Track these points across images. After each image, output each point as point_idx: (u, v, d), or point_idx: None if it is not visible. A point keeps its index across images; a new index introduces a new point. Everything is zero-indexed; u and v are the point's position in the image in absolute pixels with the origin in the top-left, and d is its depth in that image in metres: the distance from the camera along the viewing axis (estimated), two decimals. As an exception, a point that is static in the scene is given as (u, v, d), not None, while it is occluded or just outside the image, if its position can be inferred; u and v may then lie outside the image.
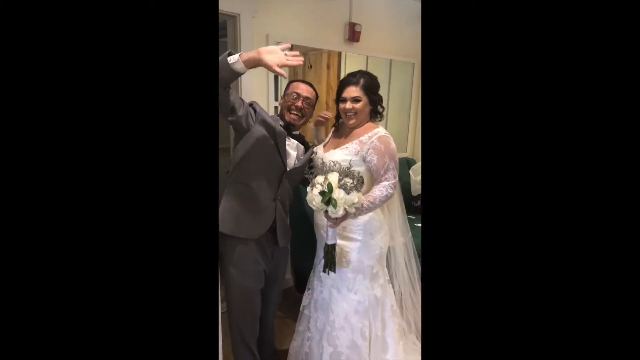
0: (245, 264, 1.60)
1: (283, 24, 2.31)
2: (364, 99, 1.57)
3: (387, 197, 1.55)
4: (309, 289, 1.81)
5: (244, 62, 1.31)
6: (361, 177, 1.44)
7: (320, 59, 2.72)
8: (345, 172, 1.43)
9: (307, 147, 1.73)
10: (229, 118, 1.49)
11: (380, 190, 1.53)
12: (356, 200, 1.39)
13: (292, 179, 1.67)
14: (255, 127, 1.56)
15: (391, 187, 1.54)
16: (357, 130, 1.62)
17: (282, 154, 1.59)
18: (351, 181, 1.40)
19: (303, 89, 1.65)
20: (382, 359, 1.70)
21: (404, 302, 1.88)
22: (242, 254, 1.60)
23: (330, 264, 1.57)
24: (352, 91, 1.56)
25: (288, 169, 1.63)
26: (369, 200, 1.51)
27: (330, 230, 1.53)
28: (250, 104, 1.61)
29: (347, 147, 1.58)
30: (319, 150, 1.70)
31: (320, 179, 1.41)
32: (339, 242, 1.61)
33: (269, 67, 1.28)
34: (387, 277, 1.78)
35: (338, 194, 1.37)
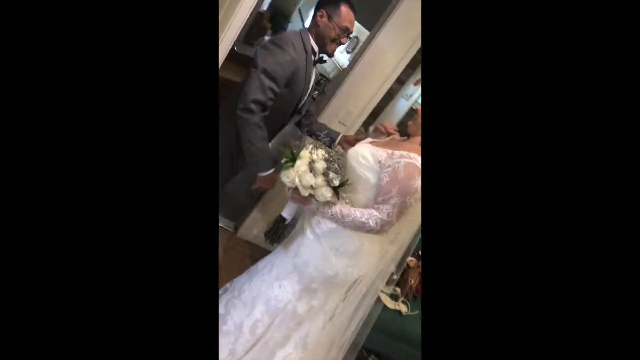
0: None
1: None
2: None
3: (363, 227, 1.24)
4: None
5: None
6: (340, 172, 1.23)
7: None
8: (333, 157, 1.24)
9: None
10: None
11: (362, 213, 1.24)
12: (320, 187, 1.20)
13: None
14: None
15: (375, 222, 1.22)
16: (405, 142, 1.37)
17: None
18: (326, 166, 1.21)
19: (349, 19, 1.53)
20: None
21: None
22: None
23: (273, 236, 1.42)
24: None
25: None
26: (341, 209, 1.26)
27: (289, 204, 1.39)
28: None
29: (377, 150, 1.31)
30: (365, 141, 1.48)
31: (309, 146, 1.25)
32: (307, 226, 1.39)
33: None
34: (327, 310, 1.42)
35: (300, 165, 1.21)
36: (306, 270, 1.37)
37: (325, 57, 1.63)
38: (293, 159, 1.23)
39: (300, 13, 4.51)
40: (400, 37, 1.93)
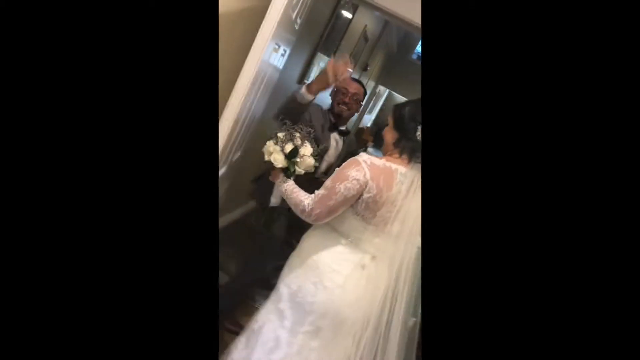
0: None
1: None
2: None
3: (298, 206, 1.21)
4: None
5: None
6: (297, 145, 1.27)
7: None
8: (299, 133, 1.31)
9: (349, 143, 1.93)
10: None
11: (306, 195, 1.23)
12: (275, 152, 1.27)
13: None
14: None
15: (307, 203, 1.19)
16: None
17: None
18: (283, 135, 1.30)
19: (353, 87, 1.86)
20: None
21: None
22: None
23: (265, 223, 1.50)
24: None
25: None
26: (292, 187, 1.27)
27: (275, 189, 1.40)
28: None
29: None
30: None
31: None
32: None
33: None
34: (294, 342, 1.25)
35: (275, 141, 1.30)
36: (279, 288, 1.30)
37: None
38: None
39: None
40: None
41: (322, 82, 1.56)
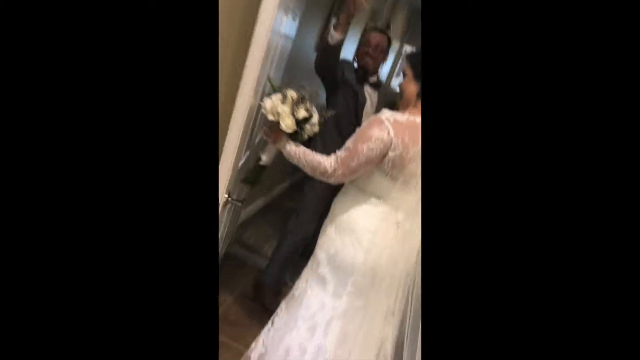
0: None
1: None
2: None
3: (318, 168, 1.17)
4: None
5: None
6: (309, 111, 1.20)
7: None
8: (308, 97, 1.22)
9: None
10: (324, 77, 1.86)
11: (322, 156, 1.19)
12: (285, 116, 1.16)
13: None
14: (340, 88, 1.85)
15: (329, 163, 1.16)
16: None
17: (358, 118, 1.88)
18: (296, 99, 1.19)
19: (373, 37, 1.88)
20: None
21: None
22: None
23: (250, 178, 1.42)
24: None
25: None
26: (304, 149, 1.20)
27: (268, 148, 1.31)
28: (340, 64, 1.86)
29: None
30: None
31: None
32: None
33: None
34: (339, 306, 1.27)
35: (277, 95, 1.19)
36: (317, 254, 1.30)
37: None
38: (274, 90, 1.26)
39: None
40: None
41: (345, 15, 1.56)
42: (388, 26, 4.61)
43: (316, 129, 1.27)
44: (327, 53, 1.71)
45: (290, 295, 1.35)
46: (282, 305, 1.36)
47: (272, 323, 1.35)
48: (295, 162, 1.24)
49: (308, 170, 1.22)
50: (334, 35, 1.62)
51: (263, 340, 1.34)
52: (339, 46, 1.67)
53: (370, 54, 1.86)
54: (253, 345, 1.37)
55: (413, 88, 1.19)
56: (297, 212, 1.99)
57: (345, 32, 1.64)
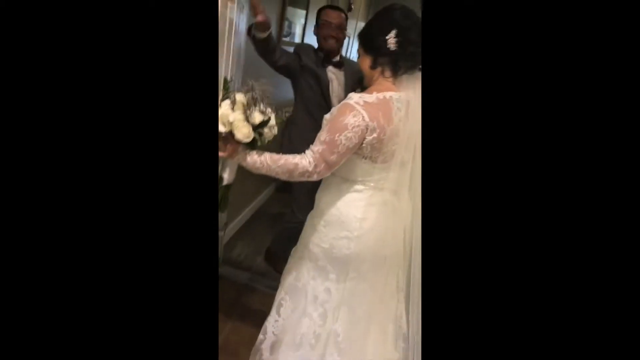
0: None
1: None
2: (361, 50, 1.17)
3: (296, 170, 1.07)
4: None
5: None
6: (265, 113, 1.06)
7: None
8: (259, 95, 1.06)
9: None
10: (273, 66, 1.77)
11: (294, 156, 1.08)
12: (239, 124, 0.99)
13: None
14: (300, 75, 1.81)
15: (308, 161, 1.07)
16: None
17: (327, 100, 1.84)
18: (246, 101, 1.03)
19: (333, 17, 1.82)
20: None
21: None
22: None
23: (220, 203, 1.24)
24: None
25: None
26: (271, 155, 1.08)
27: (228, 164, 1.16)
28: (296, 51, 1.86)
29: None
30: None
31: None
32: None
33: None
34: (347, 291, 1.25)
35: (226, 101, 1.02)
36: (311, 249, 1.27)
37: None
38: (224, 96, 1.10)
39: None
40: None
41: (252, 9, 1.51)
42: (350, 7, 4.44)
43: (275, 130, 1.11)
44: (263, 51, 1.68)
45: (292, 285, 1.33)
46: (286, 297, 1.34)
47: (279, 314, 1.34)
48: (263, 172, 1.10)
49: (283, 176, 1.10)
50: (256, 34, 1.60)
51: (272, 331, 1.35)
52: (266, 40, 1.63)
53: (334, 36, 1.82)
54: (262, 337, 1.37)
55: (367, 61, 1.14)
56: (291, 207, 2.02)
57: (264, 24, 1.55)
